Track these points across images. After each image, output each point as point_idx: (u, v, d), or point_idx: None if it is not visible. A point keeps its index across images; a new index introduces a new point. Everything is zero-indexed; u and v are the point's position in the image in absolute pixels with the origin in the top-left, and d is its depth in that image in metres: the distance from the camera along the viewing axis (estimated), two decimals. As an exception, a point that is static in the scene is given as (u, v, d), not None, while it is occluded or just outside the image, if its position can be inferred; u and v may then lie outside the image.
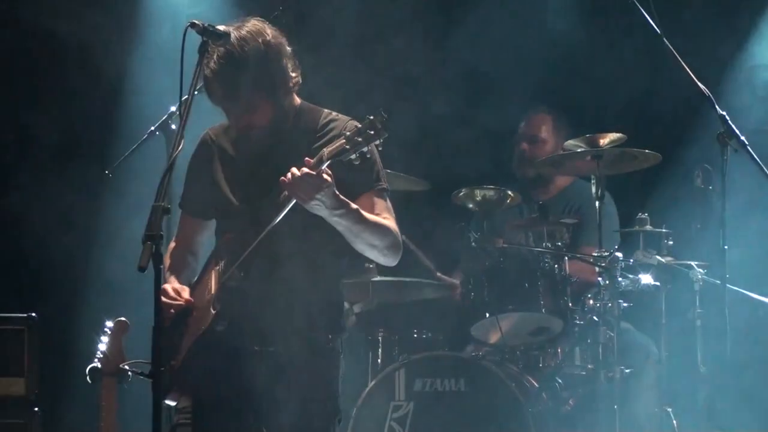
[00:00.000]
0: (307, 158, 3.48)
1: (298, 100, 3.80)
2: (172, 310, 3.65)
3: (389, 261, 3.76)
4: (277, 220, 3.55)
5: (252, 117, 3.68)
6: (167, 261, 3.86)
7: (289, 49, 3.70)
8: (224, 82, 3.59)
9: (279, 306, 3.65)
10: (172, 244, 3.94)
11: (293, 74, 3.71)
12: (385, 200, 3.74)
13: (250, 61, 3.58)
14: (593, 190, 5.29)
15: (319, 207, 3.50)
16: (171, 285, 3.72)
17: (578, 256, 5.47)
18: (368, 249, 3.70)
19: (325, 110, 3.80)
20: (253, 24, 3.66)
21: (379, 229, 3.65)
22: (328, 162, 3.45)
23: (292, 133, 3.73)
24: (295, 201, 3.50)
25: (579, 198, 5.95)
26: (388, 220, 3.70)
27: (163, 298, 3.63)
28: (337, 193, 3.50)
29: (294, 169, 3.45)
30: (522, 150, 6.07)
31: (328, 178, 3.46)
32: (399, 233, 3.72)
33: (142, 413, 3.45)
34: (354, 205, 3.57)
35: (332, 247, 3.70)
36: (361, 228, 3.61)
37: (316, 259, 3.69)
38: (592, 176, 5.29)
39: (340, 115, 3.76)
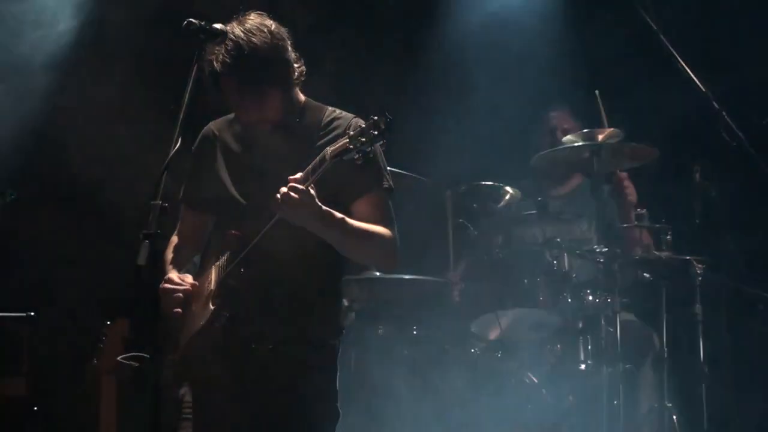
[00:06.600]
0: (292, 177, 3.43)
1: (302, 96, 3.78)
2: (180, 294, 3.63)
3: (383, 269, 3.74)
4: (266, 227, 3.53)
5: (264, 110, 3.64)
6: (168, 255, 3.84)
7: (289, 40, 3.68)
8: (236, 75, 3.56)
9: (278, 304, 3.64)
10: (174, 239, 3.91)
11: (297, 65, 3.70)
12: (386, 203, 3.68)
13: (259, 52, 3.56)
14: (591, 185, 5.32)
15: (303, 221, 3.47)
16: (174, 274, 3.70)
17: (577, 252, 5.47)
18: (360, 258, 3.71)
19: (329, 108, 3.77)
20: (255, 17, 3.64)
21: (370, 238, 3.60)
22: (321, 171, 3.42)
23: (296, 130, 3.70)
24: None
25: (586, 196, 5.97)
26: (383, 227, 3.63)
27: (168, 285, 3.63)
28: (321, 205, 3.46)
29: (283, 189, 3.42)
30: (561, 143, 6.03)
31: (312, 192, 3.43)
32: (396, 240, 3.66)
33: (141, 412, 3.44)
34: (339, 216, 3.53)
35: (333, 247, 3.67)
36: (350, 239, 3.57)
37: (316, 257, 3.66)
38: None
39: (344, 113, 3.73)
